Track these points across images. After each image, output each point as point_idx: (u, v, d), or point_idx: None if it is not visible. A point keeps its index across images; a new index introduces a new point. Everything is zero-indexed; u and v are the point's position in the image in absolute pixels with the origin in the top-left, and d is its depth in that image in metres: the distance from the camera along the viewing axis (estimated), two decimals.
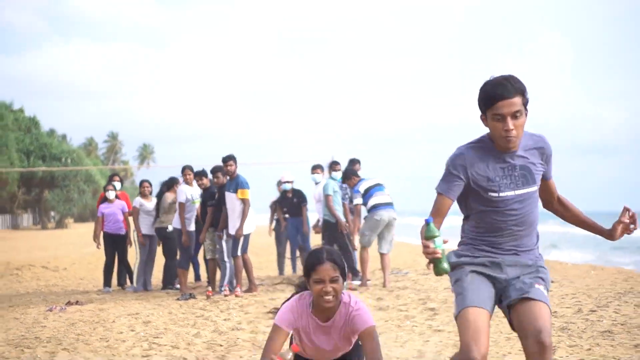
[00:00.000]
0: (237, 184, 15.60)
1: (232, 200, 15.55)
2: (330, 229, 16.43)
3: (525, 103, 4.96)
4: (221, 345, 10.47)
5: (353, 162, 17.37)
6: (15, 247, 41.44)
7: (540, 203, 5.35)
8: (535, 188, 5.15)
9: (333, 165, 17.29)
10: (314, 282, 5.39)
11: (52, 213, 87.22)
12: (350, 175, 16.19)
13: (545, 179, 5.30)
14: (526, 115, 4.98)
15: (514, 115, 4.92)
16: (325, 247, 5.56)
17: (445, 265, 4.79)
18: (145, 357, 10.00)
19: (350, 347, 5.61)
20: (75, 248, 38.20)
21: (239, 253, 15.50)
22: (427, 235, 4.76)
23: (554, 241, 45.28)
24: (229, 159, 15.67)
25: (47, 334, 12.07)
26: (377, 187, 15.90)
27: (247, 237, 15.58)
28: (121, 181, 19.07)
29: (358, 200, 15.94)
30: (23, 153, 75.23)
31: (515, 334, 4.79)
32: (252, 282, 15.85)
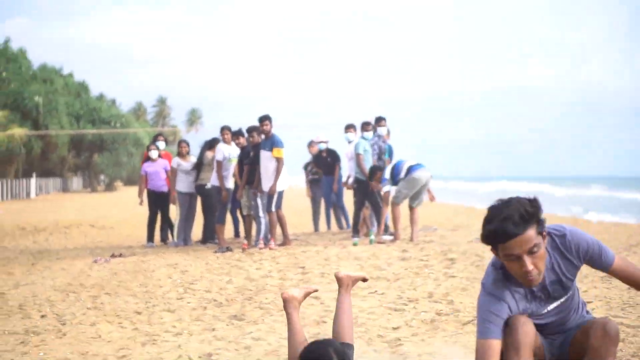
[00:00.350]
0: (272, 143, 16.32)
1: (266, 159, 16.27)
2: (362, 186, 17.13)
3: (541, 231, 4.30)
4: (250, 290, 11.26)
5: (378, 120, 18.04)
6: (65, 207, 42.61)
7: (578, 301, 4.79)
8: (570, 293, 4.60)
9: (365, 126, 17.95)
10: None
11: (102, 176, 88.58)
12: (375, 171, 16.75)
13: (603, 269, 4.58)
14: (545, 238, 4.36)
15: (531, 252, 4.26)
16: (327, 343, 5.01)
17: None
18: (180, 299, 10.83)
19: None
20: (122, 209, 39.28)
21: (273, 209, 16.26)
22: None
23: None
24: (264, 119, 16.39)
25: (91, 281, 12.96)
26: (402, 160, 16.60)
27: (280, 193, 16.33)
28: (165, 141, 19.85)
29: (387, 187, 16.52)
30: (73, 117, 76.53)
31: None
32: (286, 236, 16.64)
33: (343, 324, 5.79)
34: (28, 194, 63.54)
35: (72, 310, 10.31)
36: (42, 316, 10.01)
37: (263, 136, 16.44)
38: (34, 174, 67.52)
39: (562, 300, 4.56)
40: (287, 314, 5.98)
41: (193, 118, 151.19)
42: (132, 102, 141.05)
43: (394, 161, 16.87)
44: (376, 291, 10.50)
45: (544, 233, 4.29)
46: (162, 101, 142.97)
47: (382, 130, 17.94)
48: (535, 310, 4.51)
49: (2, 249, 19.45)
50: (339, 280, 6.12)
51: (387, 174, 16.37)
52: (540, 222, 4.23)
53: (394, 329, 8.17)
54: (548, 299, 4.52)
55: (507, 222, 4.16)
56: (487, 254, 13.35)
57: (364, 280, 6.23)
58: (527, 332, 4.34)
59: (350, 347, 5.46)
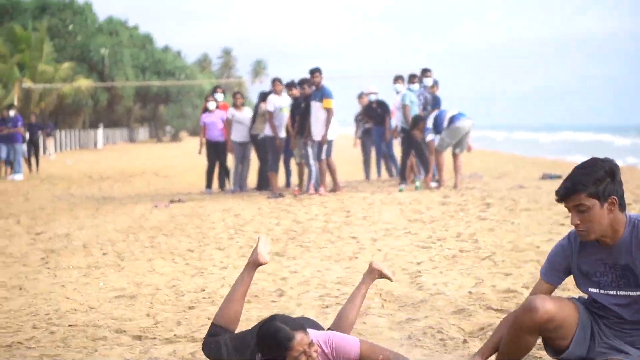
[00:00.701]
0: (322, 94, 17.05)
1: (317, 109, 17.02)
2: (408, 136, 17.84)
3: (596, 194, 4.52)
4: (295, 231, 12.11)
5: (424, 71, 18.66)
6: (130, 157, 43.88)
7: None
8: (638, 293, 4.66)
9: (411, 78, 18.62)
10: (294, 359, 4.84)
11: (167, 127, 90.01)
12: (418, 121, 17.37)
13: None
14: (604, 204, 4.56)
15: (578, 210, 4.55)
16: (280, 317, 4.95)
17: None
18: (230, 239, 11.72)
19: None
20: (185, 158, 40.40)
21: (323, 157, 17.04)
22: None
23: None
24: (315, 71, 17.13)
25: (150, 224, 13.92)
26: (443, 110, 17.19)
27: (330, 142, 17.09)
28: (224, 93, 20.67)
29: (430, 136, 17.14)
30: (138, 69, 77.76)
31: None
32: (335, 183, 17.46)
33: (348, 317, 5.70)
34: (95, 144, 65.05)
35: (131, 249, 11.25)
36: (104, 254, 10.95)
37: (314, 87, 17.16)
38: (101, 125, 68.98)
39: (630, 293, 4.63)
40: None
41: (258, 69, 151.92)
42: (197, 53, 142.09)
43: (437, 111, 17.44)
44: (410, 232, 11.29)
45: (605, 199, 4.53)
46: (227, 52, 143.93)
47: (427, 82, 18.56)
48: (603, 285, 4.69)
49: (70, 196, 20.52)
50: (370, 269, 5.92)
51: (429, 123, 16.99)
52: (597, 187, 4.50)
53: (418, 263, 8.96)
54: (618, 280, 4.65)
55: (566, 182, 4.59)
56: (522, 200, 14.04)
57: (389, 279, 6.01)
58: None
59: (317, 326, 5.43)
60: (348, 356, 4.99)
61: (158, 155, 46.35)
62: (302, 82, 17.32)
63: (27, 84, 49.31)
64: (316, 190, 17.12)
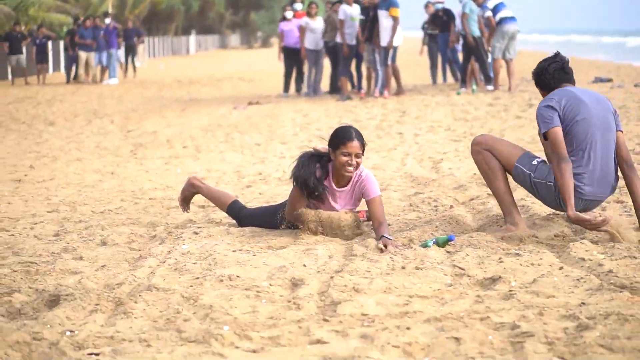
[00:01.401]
0: (389, 3, 18.36)
1: (384, 17, 18.34)
2: (467, 42, 19.14)
3: None
4: None
5: None
6: (220, 63, 45.63)
7: None
8: None
9: None
10: (341, 154, 6.10)
11: (259, 33, 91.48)
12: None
13: None
14: None
15: None
16: (354, 127, 6.28)
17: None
18: (294, 135, 13.37)
19: (355, 208, 6.47)
20: (272, 64, 41.78)
21: (389, 62, 18.45)
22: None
23: None
24: None
25: (228, 122, 15.64)
26: (501, 4, 18.35)
27: (395, 48, 18.47)
28: (302, 2, 22.09)
29: (488, 13, 18.35)
30: None
31: None
32: (400, 86, 18.92)
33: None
34: (187, 51, 67.04)
35: (208, 143, 12.99)
36: (184, 147, 12.71)
37: None
38: (193, 31, 70.82)
39: None
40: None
41: None
42: None
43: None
44: (449, 128, 12.78)
45: None
46: None
47: None
48: None
49: (160, 98, 22.36)
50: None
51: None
52: None
53: (444, 153, 10.50)
54: None
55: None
56: None
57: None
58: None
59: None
60: (367, 194, 6.18)
61: (247, 61, 47.91)
62: None
63: None
64: (381, 93, 18.57)
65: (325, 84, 21.40)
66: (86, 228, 6.90)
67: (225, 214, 7.02)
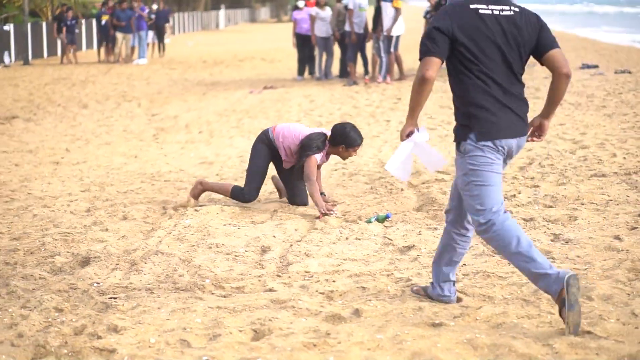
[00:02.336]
0: None
1: (387, 8, 19.98)
2: None
3: None
4: (350, 115, 15.34)
5: None
6: (247, 39, 47.04)
7: None
8: None
9: None
10: (351, 151, 8.46)
11: (288, 6, 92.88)
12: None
13: None
14: None
15: None
16: (357, 129, 8.65)
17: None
18: (297, 121, 15.10)
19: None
20: None
21: (392, 50, 20.13)
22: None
23: None
24: None
25: (241, 107, 17.41)
26: None
27: (398, 37, 20.14)
28: None
29: None
30: None
31: None
32: (402, 73, 20.61)
33: None
34: (217, 25, 68.56)
35: (220, 128, 14.79)
36: (199, 132, 14.53)
37: None
38: (223, 6, 72.27)
39: None
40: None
41: None
42: None
43: None
44: (431, 115, 14.47)
45: None
46: None
47: None
48: None
49: (184, 80, 24.15)
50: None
51: None
52: None
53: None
54: None
55: None
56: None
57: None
58: None
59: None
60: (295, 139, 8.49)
61: (273, 37, 49.11)
62: None
63: None
64: (384, 78, 20.26)
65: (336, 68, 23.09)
66: (111, 205, 8.74)
67: (230, 199, 8.77)
